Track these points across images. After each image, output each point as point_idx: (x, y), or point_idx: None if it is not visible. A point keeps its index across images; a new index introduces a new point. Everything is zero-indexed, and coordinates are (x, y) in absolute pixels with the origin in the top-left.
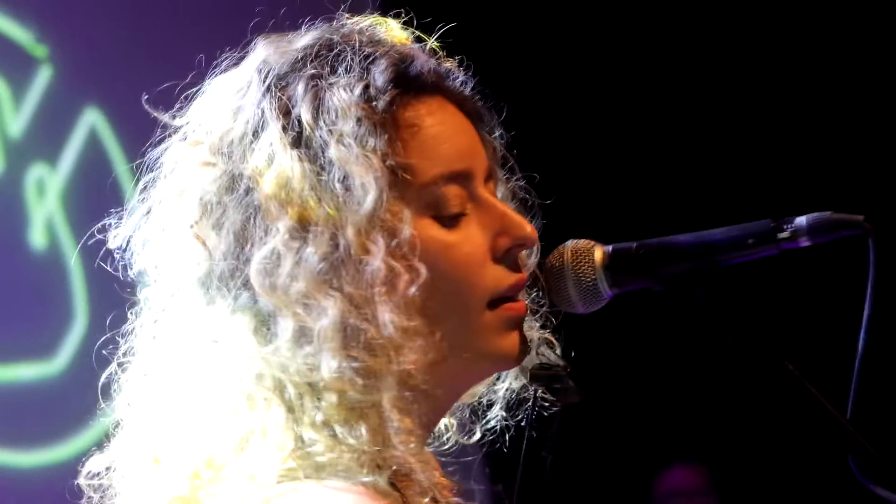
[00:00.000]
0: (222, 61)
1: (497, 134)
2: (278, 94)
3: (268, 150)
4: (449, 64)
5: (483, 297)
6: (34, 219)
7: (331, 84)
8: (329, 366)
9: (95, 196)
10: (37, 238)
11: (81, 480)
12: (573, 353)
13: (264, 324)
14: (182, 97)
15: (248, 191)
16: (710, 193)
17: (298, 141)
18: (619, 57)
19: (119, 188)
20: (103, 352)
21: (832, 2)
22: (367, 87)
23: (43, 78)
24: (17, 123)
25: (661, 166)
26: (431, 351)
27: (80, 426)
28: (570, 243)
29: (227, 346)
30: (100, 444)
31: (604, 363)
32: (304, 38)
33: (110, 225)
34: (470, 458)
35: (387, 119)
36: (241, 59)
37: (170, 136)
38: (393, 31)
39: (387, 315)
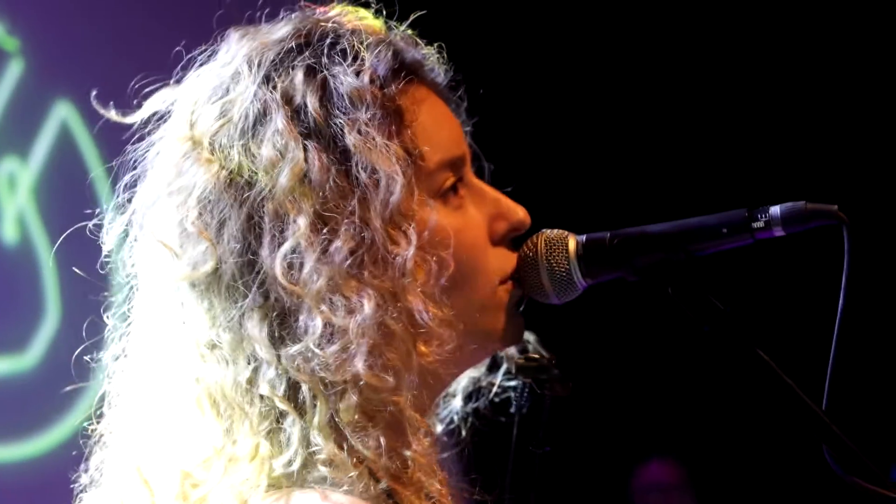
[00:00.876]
0: (195, 55)
1: (466, 122)
2: (276, 82)
3: (277, 142)
4: (426, 51)
5: (492, 280)
6: (5, 213)
7: (333, 72)
8: (362, 363)
9: (67, 190)
10: (8, 232)
11: None
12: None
13: (279, 323)
14: (145, 91)
15: (251, 185)
16: (685, 182)
17: (309, 131)
18: (594, 43)
19: (92, 184)
20: (86, 358)
21: None
22: (372, 73)
23: (14, 71)
24: None
25: (636, 155)
26: (455, 340)
27: (52, 421)
28: (544, 233)
29: (232, 349)
30: (74, 446)
31: (577, 356)
32: (284, 29)
33: (98, 226)
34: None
35: (398, 106)
36: (212, 53)
37: (149, 132)
38: (367, 19)
39: (420, 306)
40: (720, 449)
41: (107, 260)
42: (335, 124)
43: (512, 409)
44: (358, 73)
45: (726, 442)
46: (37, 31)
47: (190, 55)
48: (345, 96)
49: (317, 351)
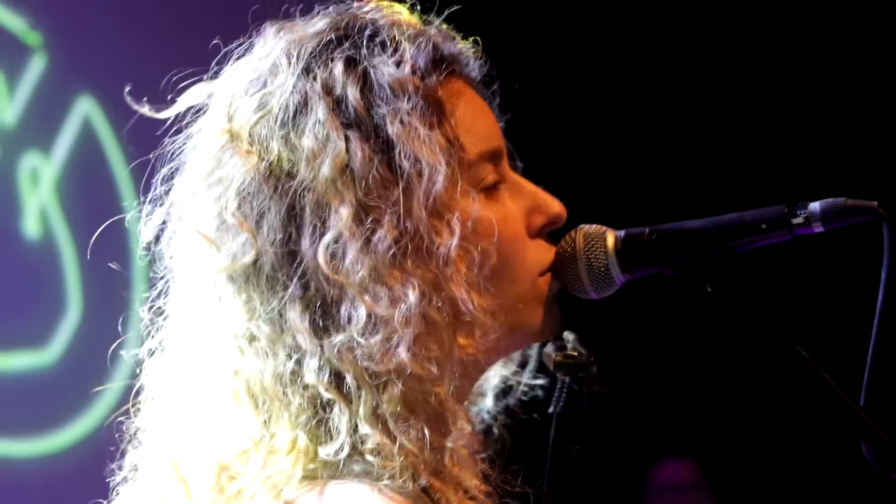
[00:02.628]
0: (232, 48)
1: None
2: (316, 73)
3: (318, 133)
4: (462, 46)
5: (531, 273)
6: (28, 207)
7: (374, 63)
8: (406, 353)
9: (89, 185)
10: (30, 227)
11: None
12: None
13: (322, 314)
14: (177, 87)
15: (291, 176)
16: (722, 179)
17: (350, 121)
18: (626, 38)
19: (113, 178)
20: (121, 353)
21: None
22: (413, 64)
23: (37, 66)
24: (11, 112)
25: (671, 151)
26: (498, 331)
27: (73, 416)
28: (582, 228)
29: (272, 341)
30: (95, 442)
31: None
32: (321, 22)
33: (121, 221)
34: None
35: (438, 97)
36: (249, 47)
37: (179, 127)
38: (403, 14)
39: (464, 295)
40: (737, 449)
41: (144, 253)
42: (377, 114)
43: (550, 410)
44: (398, 64)
45: (743, 442)
46: (59, 26)
47: (225, 49)
48: (386, 87)
49: (361, 340)
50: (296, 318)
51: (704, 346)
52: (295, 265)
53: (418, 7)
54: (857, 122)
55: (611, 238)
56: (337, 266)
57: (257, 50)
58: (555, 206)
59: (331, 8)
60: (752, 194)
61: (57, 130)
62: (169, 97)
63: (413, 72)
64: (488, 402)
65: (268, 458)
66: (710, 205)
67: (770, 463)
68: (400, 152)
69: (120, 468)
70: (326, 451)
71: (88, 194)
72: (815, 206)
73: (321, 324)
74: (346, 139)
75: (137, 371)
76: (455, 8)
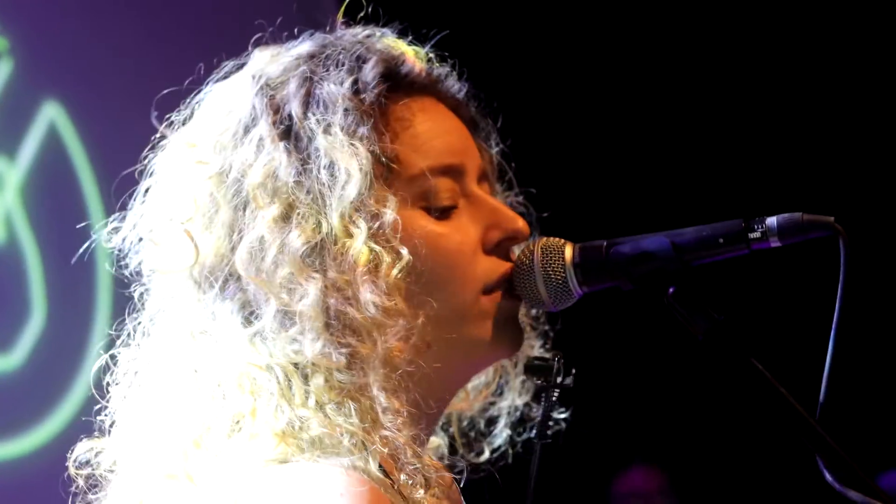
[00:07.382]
0: (222, 68)
1: (494, 144)
2: (271, 92)
3: (257, 144)
4: (443, 69)
5: (475, 286)
6: None
7: (321, 80)
8: (312, 347)
9: (54, 190)
10: None
11: (70, 468)
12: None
13: (252, 311)
14: (151, 97)
15: (236, 184)
16: (683, 193)
17: (287, 133)
18: (593, 55)
19: (78, 183)
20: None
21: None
22: (355, 81)
23: (3, 71)
24: None
25: (633, 165)
26: (414, 334)
27: (37, 420)
28: (541, 240)
29: (217, 335)
30: (59, 446)
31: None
32: (300, 46)
33: (117, 228)
34: None
35: (375, 110)
36: (240, 66)
37: (162, 138)
38: (387, 39)
39: (367, 295)
40: (702, 456)
41: (115, 262)
42: (308, 127)
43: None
44: (341, 80)
45: (708, 449)
46: (26, 31)
47: (214, 69)
48: (323, 101)
49: (272, 335)
50: (227, 316)
51: (664, 358)
52: (224, 266)
53: (409, 33)
54: (815, 136)
55: (569, 250)
56: (257, 266)
57: (242, 71)
58: (514, 221)
59: (317, 33)
60: (710, 207)
61: (22, 136)
62: (154, 114)
63: (352, 86)
64: (505, 431)
65: (233, 435)
66: (669, 217)
67: (726, 476)
68: (322, 161)
69: (87, 466)
70: (271, 432)
71: (53, 200)
72: (772, 220)
73: (248, 319)
74: (278, 149)
75: (109, 370)
76: (444, 32)
